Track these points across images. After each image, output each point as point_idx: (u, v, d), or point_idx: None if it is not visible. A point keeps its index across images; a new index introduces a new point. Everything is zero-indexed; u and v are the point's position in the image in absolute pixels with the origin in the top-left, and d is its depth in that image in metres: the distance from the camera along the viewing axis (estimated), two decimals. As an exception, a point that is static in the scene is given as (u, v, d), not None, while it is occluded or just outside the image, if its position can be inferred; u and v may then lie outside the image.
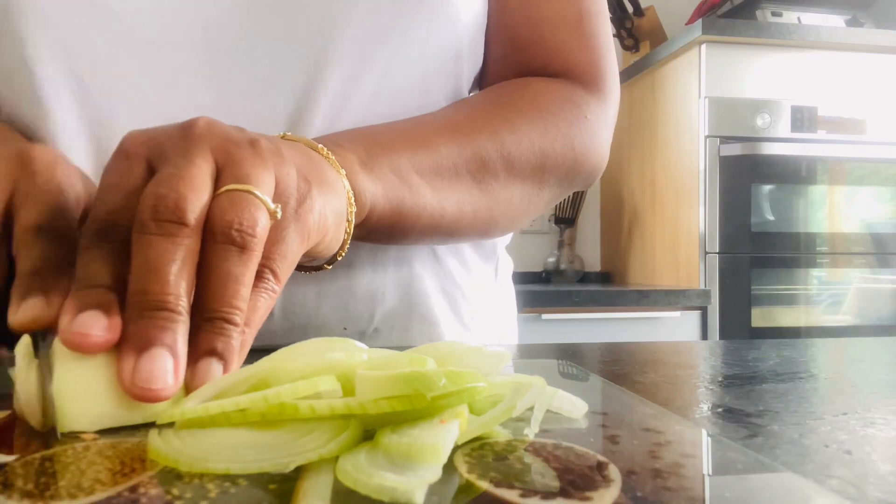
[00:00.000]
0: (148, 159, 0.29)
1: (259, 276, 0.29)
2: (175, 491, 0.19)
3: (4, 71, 0.44)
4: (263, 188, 0.29)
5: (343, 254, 0.39)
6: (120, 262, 0.26)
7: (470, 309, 0.57)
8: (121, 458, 0.22)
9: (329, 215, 0.34)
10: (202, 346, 0.26)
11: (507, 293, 0.65)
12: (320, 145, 0.37)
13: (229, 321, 0.26)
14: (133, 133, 0.30)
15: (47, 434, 0.24)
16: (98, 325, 0.24)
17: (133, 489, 0.19)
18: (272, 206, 0.29)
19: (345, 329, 0.50)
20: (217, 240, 0.27)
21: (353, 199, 0.37)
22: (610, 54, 0.56)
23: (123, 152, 0.29)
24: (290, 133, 0.40)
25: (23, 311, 0.27)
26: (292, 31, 0.45)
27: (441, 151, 0.44)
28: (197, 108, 0.45)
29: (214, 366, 0.26)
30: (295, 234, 0.31)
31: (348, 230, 0.37)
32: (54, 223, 0.30)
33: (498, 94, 0.51)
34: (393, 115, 0.48)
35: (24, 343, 0.26)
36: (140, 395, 0.24)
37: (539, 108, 0.50)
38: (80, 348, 0.24)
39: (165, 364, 0.24)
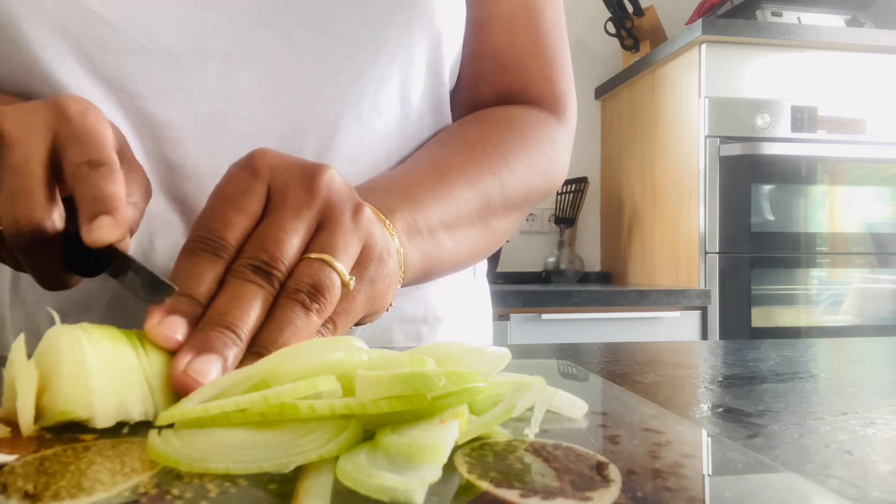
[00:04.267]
0: (270, 185, 0.33)
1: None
2: (175, 491, 0.19)
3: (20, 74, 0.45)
4: (344, 259, 0.33)
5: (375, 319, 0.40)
6: (213, 273, 0.31)
7: (449, 308, 0.58)
8: (121, 458, 0.22)
9: (391, 288, 0.38)
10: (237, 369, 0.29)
11: (484, 292, 0.67)
12: (388, 222, 0.40)
13: None
14: (267, 152, 0.34)
15: (47, 434, 0.24)
16: (181, 331, 0.28)
17: (133, 489, 0.19)
18: (347, 277, 0.32)
19: None
20: (288, 294, 0.31)
21: (402, 270, 0.40)
22: (572, 84, 0.62)
23: (252, 167, 0.33)
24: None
25: (96, 229, 0.30)
26: (289, 41, 0.46)
27: (460, 203, 0.48)
28: (193, 113, 0.45)
29: None
30: (364, 296, 0.34)
31: (392, 302, 0.40)
32: (102, 158, 0.33)
33: (489, 129, 0.55)
34: (386, 128, 0.51)
35: (19, 343, 0.26)
36: (184, 381, 0.26)
37: (526, 146, 0.55)
38: (162, 344, 0.28)
39: (217, 368, 0.27)
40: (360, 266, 0.34)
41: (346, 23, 0.47)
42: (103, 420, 0.24)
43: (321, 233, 0.33)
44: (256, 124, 0.46)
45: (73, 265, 0.33)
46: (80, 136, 0.33)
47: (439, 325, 0.57)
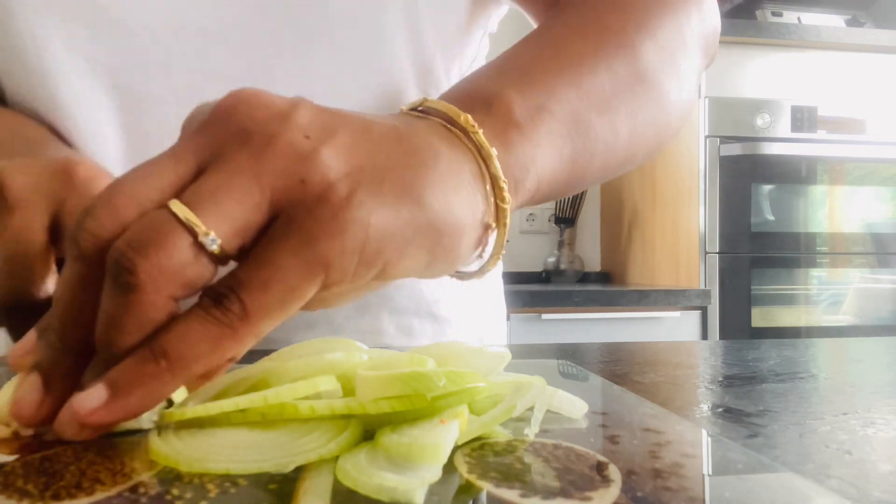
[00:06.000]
0: (199, 166, 0.24)
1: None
2: (175, 491, 0.19)
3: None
4: (208, 204, 0.22)
5: (493, 264, 0.30)
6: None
7: (448, 306, 0.57)
8: (121, 458, 0.22)
9: (393, 238, 0.24)
10: None
11: (495, 293, 0.65)
12: (473, 122, 0.28)
13: None
14: (199, 118, 0.25)
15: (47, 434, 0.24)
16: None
17: (133, 489, 0.19)
18: (193, 219, 0.22)
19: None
20: (108, 273, 0.23)
21: (505, 191, 0.28)
22: None
23: (175, 149, 0.24)
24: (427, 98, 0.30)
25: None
26: (264, 14, 0.46)
27: (598, 68, 0.35)
28: (171, 88, 0.46)
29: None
30: (300, 250, 0.22)
31: (482, 240, 0.28)
32: None
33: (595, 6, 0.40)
34: (370, 102, 0.48)
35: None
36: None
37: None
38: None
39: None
40: (287, 213, 0.23)
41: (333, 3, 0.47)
42: (148, 423, 0.25)
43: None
44: None
45: None
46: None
47: (434, 322, 0.56)
